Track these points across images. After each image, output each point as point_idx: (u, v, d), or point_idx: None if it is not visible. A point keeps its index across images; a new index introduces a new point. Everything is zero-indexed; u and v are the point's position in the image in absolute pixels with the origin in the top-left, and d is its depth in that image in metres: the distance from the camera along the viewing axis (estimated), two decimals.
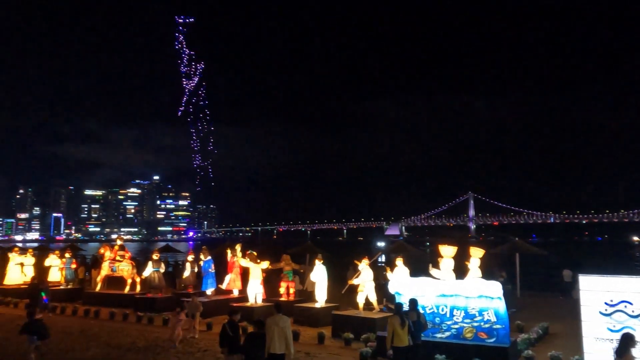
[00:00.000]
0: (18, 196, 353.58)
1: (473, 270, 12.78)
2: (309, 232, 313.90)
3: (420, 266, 15.96)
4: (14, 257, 23.37)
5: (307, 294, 17.89)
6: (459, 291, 10.57)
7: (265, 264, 16.25)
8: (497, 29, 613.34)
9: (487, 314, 10.16)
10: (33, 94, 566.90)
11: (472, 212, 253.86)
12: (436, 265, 13.19)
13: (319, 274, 15.11)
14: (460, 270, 13.06)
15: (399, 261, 14.75)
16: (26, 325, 10.25)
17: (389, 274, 14.75)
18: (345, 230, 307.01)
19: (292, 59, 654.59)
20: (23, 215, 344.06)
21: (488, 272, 14.12)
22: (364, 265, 14.31)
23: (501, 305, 10.11)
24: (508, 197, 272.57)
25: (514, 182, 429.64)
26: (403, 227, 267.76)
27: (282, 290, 17.44)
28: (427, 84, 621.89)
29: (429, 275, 12.48)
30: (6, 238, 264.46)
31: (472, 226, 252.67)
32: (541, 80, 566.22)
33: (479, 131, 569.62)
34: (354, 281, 14.40)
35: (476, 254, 12.94)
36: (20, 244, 40.17)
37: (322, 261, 15.53)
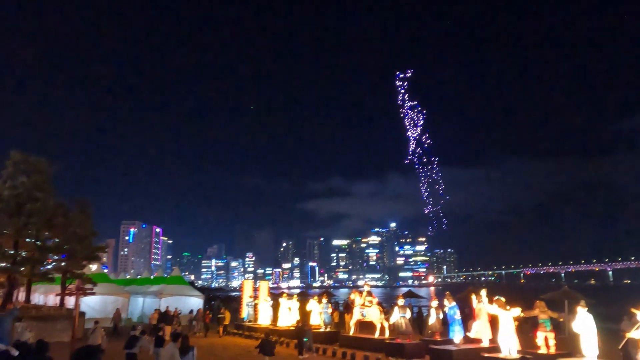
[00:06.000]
0: (282, 249, 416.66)
1: None
2: (562, 274, 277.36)
3: None
4: (283, 302, 27.06)
5: (570, 347, 15.61)
6: None
7: (517, 311, 14.91)
8: None
9: None
10: (290, 159, 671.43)
11: None
12: None
13: (585, 324, 13.06)
14: None
15: None
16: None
17: None
18: (610, 272, 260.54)
19: (524, 86, 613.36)
20: (286, 265, 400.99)
21: None
22: None
23: None
24: None
25: None
26: None
27: (539, 341, 15.62)
28: None
29: None
30: (275, 285, 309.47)
31: None
32: None
33: None
34: (633, 334, 11.94)
35: None
36: (286, 291, 46.71)
37: (586, 308, 13.45)
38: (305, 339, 19.16)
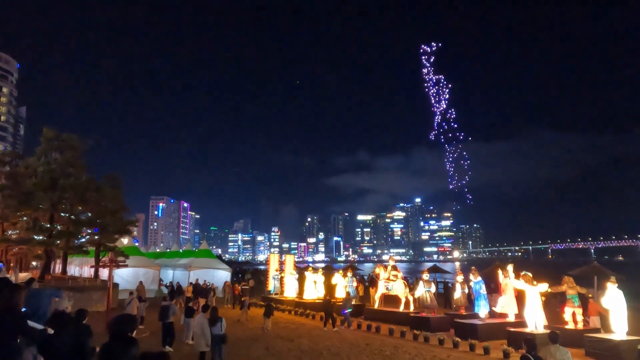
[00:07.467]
0: (307, 223, 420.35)
1: None
2: (592, 250, 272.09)
3: None
4: (308, 276, 27.45)
5: (598, 323, 15.44)
6: None
7: (544, 287, 14.79)
8: None
9: None
10: (315, 135, 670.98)
11: None
12: None
13: (615, 300, 12.87)
14: None
15: None
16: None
17: None
18: None
19: (553, 58, 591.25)
20: (311, 240, 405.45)
21: None
22: None
23: None
24: None
25: None
26: None
27: (566, 316, 15.50)
28: None
29: None
30: (300, 259, 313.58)
31: None
32: None
33: None
34: None
35: None
36: (311, 264, 47.38)
37: (616, 284, 13.22)
38: (348, 310, 19.51)
